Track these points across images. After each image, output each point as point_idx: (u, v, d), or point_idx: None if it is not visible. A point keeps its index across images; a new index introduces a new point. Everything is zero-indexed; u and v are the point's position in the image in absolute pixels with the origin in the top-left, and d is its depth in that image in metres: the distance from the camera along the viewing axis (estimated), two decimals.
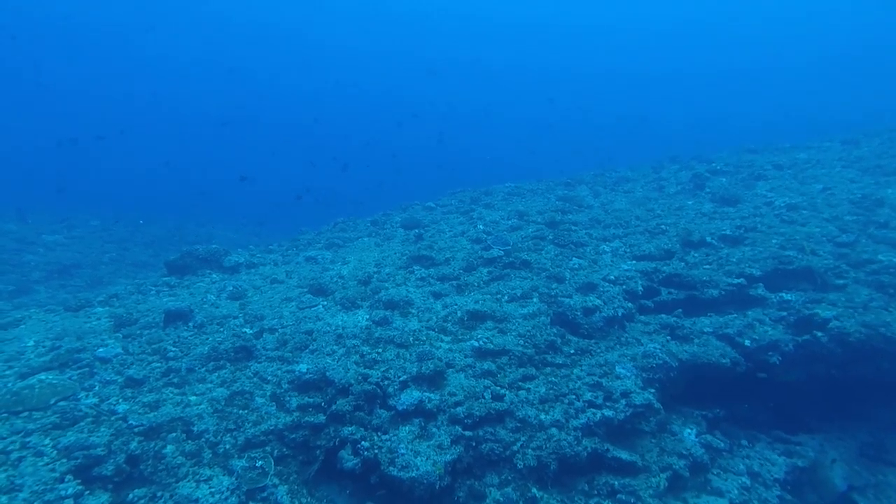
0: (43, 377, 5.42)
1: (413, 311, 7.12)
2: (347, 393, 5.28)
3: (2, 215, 17.06)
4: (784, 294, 6.89)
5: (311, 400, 5.34)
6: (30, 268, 13.24)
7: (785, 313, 6.53)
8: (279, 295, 7.96)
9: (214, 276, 9.32)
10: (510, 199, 12.59)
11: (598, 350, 6.16)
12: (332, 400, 5.25)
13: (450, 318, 6.78)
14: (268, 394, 5.46)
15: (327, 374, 5.57)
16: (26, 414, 4.85)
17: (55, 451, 4.35)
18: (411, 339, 6.29)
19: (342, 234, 11.62)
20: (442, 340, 6.31)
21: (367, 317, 6.96)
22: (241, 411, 5.18)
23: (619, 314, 6.60)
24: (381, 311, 6.99)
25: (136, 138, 50.25)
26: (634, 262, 7.97)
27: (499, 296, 7.27)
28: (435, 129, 49.73)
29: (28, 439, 4.49)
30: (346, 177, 34.38)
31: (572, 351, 6.12)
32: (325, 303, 7.49)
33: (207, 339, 6.63)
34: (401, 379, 5.43)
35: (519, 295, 7.22)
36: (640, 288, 7.19)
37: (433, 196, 14.04)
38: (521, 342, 6.08)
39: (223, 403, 5.28)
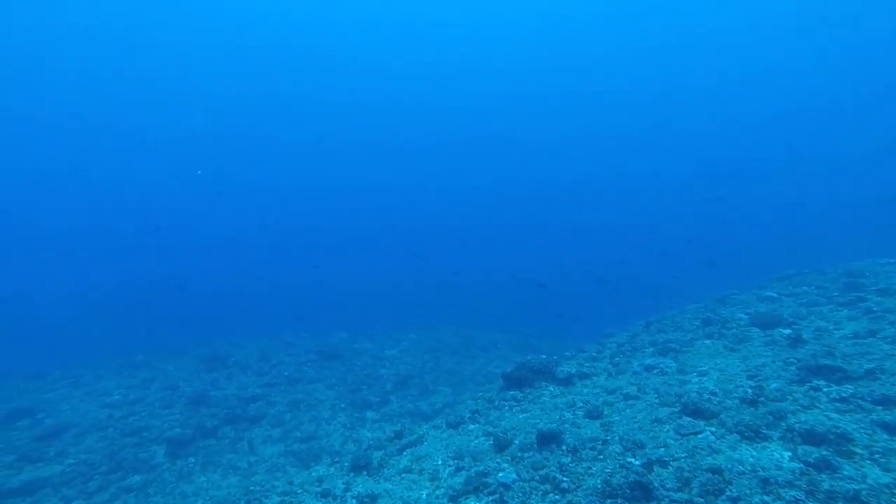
0: None
1: (858, 450, 5.23)
2: None
3: (361, 335, 22.63)
4: None
5: None
6: (384, 380, 16.54)
7: None
8: (643, 414, 7.20)
9: (551, 388, 9.36)
10: None
11: None
12: None
13: None
14: None
15: None
16: None
17: None
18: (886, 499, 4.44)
19: (665, 335, 10.46)
20: None
21: (790, 454, 5.42)
22: None
23: None
24: (808, 448, 5.37)
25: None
26: None
27: None
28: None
29: None
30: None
31: None
32: (713, 429, 6.30)
33: (591, 468, 6.25)
34: None
35: None
36: None
37: (739, 282, 11.72)
38: None
39: None
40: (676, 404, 7.11)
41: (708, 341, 9.28)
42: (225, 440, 12.36)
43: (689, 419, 6.65)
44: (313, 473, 8.14)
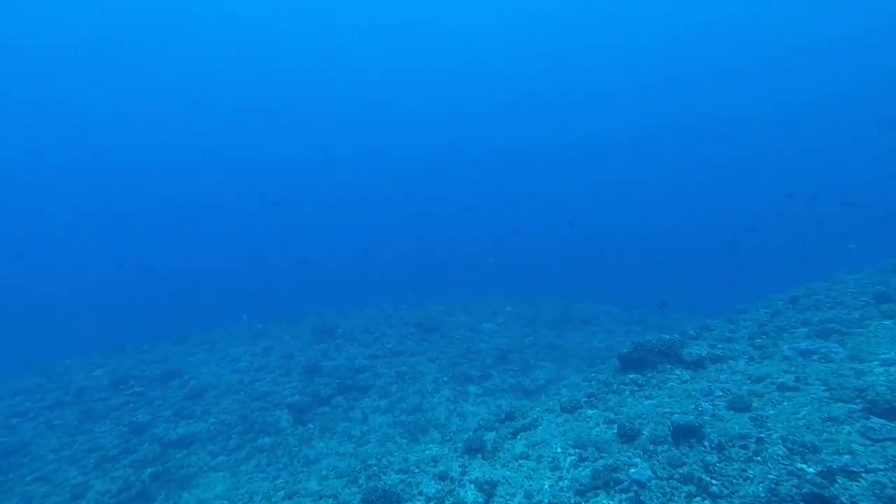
0: (604, 502, 5.32)
1: None
2: None
3: (458, 308, 22.80)
4: None
5: None
6: (483, 354, 16.40)
7: None
8: (808, 410, 6.00)
9: (678, 372, 8.33)
10: None
11: None
12: None
13: None
14: None
15: None
16: None
17: None
18: None
19: (821, 313, 8.75)
20: None
21: None
22: None
23: None
24: None
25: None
26: None
27: None
28: None
29: None
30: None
31: None
32: None
33: (746, 471, 5.32)
34: None
35: None
36: None
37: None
38: None
39: None
40: (857, 400, 5.80)
41: (888, 322, 7.51)
42: (338, 409, 13.10)
43: (882, 420, 5.35)
44: (426, 452, 8.15)
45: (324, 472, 8.34)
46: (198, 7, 57.87)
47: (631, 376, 8.63)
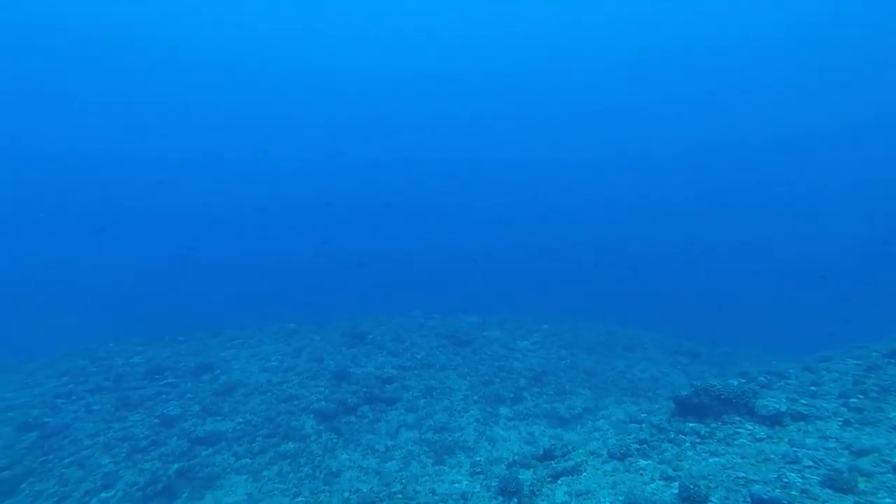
0: None
1: None
2: None
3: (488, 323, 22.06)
4: None
5: None
6: (517, 374, 15.57)
7: None
8: None
9: (749, 426, 7.28)
10: None
11: None
12: None
13: None
14: None
15: None
16: None
17: None
18: None
19: None
20: None
21: None
22: None
23: None
24: None
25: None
26: None
27: None
28: None
29: None
30: None
31: None
32: None
33: None
34: None
35: None
36: None
37: None
38: None
39: None
40: None
41: None
42: (364, 419, 12.64)
43: None
44: (455, 485, 7.48)
45: (346, 495, 7.82)
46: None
47: (691, 425, 7.64)
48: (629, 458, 7.12)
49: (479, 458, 10.49)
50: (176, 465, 10.68)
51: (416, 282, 44.92)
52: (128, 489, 9.94)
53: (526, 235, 68.79)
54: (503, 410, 13.55)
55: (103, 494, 9.77)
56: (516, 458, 8.51)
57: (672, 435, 7.53)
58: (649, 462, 6.89)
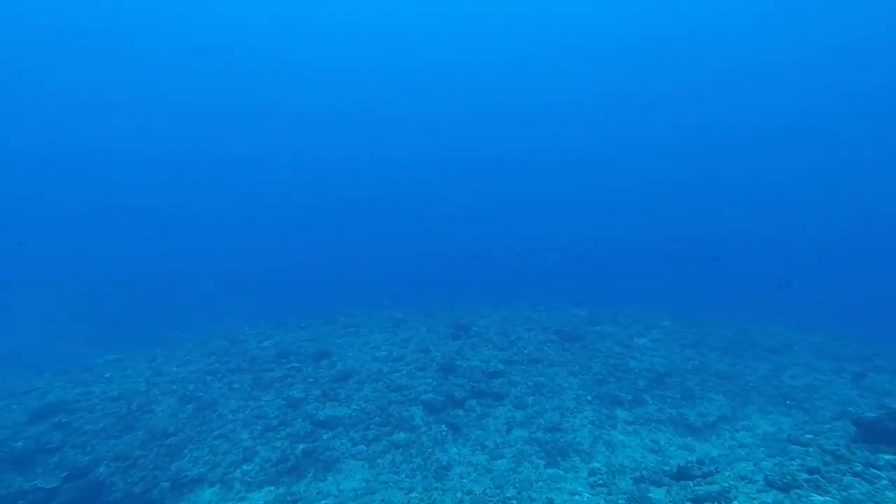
0: None
1: None
2: None
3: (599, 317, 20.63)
4: None
5: None
6: (635, 374, 14.19)
7: None
8: None
9: None
10: None
11: None
12: None
13: None
14: None
15: None
16: None
17: None
18: None
19: None
20: None
21: None
22: None
23: None
24: None
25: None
26: None
27: None
28: None
29: None
30: None
31: None
32: None
33: None
34: None
35: None
36: None
37: None
38: None
39: None
40: None
41: None
42: (472, 413, 12.48)
43: None
44: (576, 498, 6.84)
45: (458, 496, 7.65)
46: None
47: (886, 457, 6.03)
48: (796, 491, 5.84)
49: (596, 465, 9.67)
50: (301, 446, 11.53)
51: (521, 271, 44.05)
52: (263, 464, 10.96)
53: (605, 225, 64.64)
54: (620, 413, 12.43)
55: (244, 467, 10.91)
56: (644, 471, 7.57)
57: (858, 468, 6.01)
58: (826, 499, 5.56)
